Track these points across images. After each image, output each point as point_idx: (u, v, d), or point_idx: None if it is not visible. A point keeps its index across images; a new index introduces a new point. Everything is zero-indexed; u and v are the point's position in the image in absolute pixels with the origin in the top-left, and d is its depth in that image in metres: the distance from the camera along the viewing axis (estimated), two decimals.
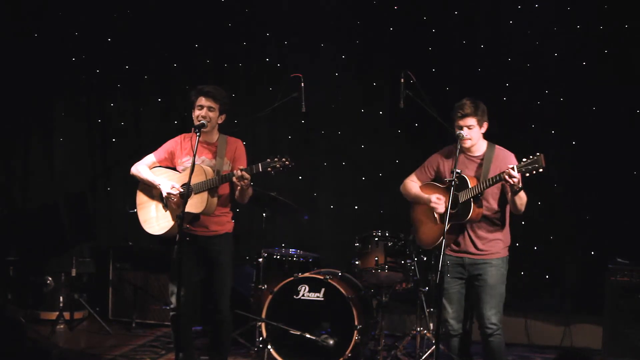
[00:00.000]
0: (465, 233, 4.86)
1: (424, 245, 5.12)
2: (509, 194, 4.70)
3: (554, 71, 6.66)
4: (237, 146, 5.19)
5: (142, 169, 5.21)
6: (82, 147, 7.55)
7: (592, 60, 6.59)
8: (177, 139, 5.25)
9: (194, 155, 4.82)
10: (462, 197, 4.75)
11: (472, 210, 4.73)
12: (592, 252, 6.59)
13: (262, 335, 5.77)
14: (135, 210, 5.29)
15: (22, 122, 7.57)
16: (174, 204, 5.02)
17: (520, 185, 4.55)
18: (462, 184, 4.77)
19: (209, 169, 4.98)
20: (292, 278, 5.78)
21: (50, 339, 6.43)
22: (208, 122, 5.02)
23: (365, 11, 7.01)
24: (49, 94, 7.55)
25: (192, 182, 4.80)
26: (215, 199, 4.98)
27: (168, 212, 5.11)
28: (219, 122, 5.13)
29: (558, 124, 6.68)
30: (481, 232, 4.85)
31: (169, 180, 5.08)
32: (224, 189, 5.08)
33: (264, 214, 6.29)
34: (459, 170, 4.70)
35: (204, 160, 5.06)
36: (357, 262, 5.94)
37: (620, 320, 5.95)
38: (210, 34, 7.26)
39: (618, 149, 6.50)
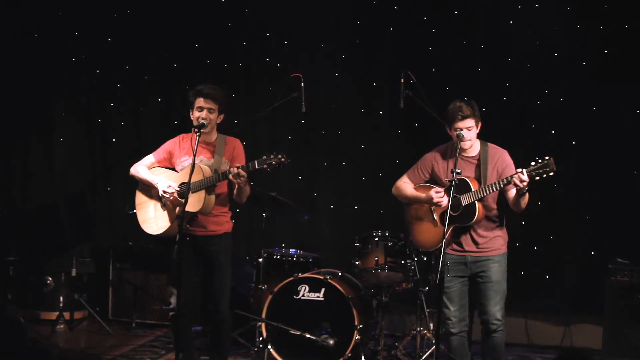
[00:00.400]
0: (467, 233, 4.87)
1: (423, 247, 5.12)
2: (514, 194, 4.72)
3: (554, 71, 6.66)
4: (236, 145, 5.19)
5: (141, 169, 5.21)
6: (82, 147, 7.55)
7: (592, 60, 6.59)
8: (176, 139, 5.25)
9: (194, 155, 4.82)
10: (465, 199, 4.76)
11: (478, 212, 4.75)
12: (592, 252, 6.59)
13: (262, 335, 5.77)
14: (134, 211, 5.30)
15: (22, 122, 7.57)
16: (170, 203, 5.03)
17: (526, 186, 4.56)
18: (463, 186, 4.77)
19: (206, 168, 4.97)
20: (292, 278, 5.78)
21: (50, 339, 6.43)
22: (208, 123, 5.03)
23: (365, 11, 7.01)
24: (49, 94, 7.55)
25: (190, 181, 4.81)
26: (212, 198, 4.98)
27: (166, 211, 5.11)
28: (218, 122, 5.14)
29: (558, 124, 6.68)
30: (481, 231, 4.87)
31: (167, 180, 5.08)
32: (222, 189, 5.08)
33: (264, 214, 6.29)
34: (459, 171, 4.70)
35: (202, 160, 5.06)
36: (357, 262, 5.94)
37: (620, 320, 5.95)
38: (210, 34, 7.25)
39: (618, 149, 6.50)
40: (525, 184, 4.53)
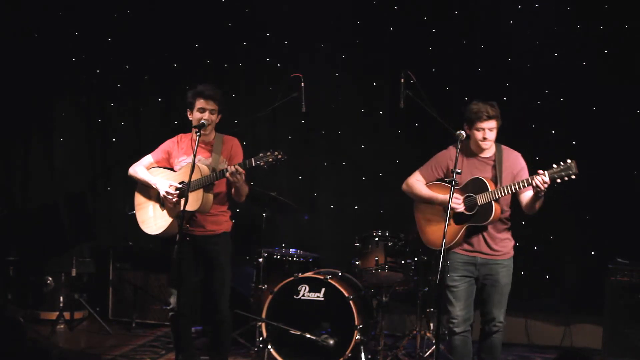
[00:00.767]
0: (479, 234, 4.89)
1: (433, 245, 5.09)
2: (529, 197, 4.73)
3: (554, 71, 6.66)
4: (233, 144, 5.19)
5: (140, 169, 5.21)
6: (82, 147, 7.55)
7: (592, 60, 6.59)
8: (174, 139, 5.26)
9: (194, 155, 4.82)
10: (482, 199, 4.77)
11: (495, 212, 4.76)
12: (592, 252, 6.60)
13: (262, 335, 5.77)
14: (134, 212, 5.30)
15: (22, 122, 7.57)
16: (171, 203, 5.02)
17: (545, 189, 4.57)
18: (480, 186, 4.79)
19: (204, 167, 4.98)
20: (292, 278, 5.78)
21: (50, 339, 6.42)
22: (209, 123, 5.03)
23: (365, 11, 7.01)
24: (49, 94, 7.55)
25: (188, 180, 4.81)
26: (210, 196, 4.98)
27: (165, 211, 5.11)
28: (216, 121, 5.14)
29: (558, 124, 6.68)
30: (493, 232, 4.90)
31: (166, 180, 5.08)
32: (221, 188, 5.08)
33: (264, 214, 6.29)
34: (459, 171, 4.71)
35: (200, 159, 5.06)
36: (357, 262, 5.94)
37: (620, 320, 5.95)
38: (210, 34, 7.25)
39: (618, 149, 6.50)
40: (546, 186, 4.54)
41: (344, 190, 7.14)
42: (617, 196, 6.49)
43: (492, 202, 4.76)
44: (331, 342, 5.53)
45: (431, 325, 6.18)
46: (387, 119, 6.99)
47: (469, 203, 4.83)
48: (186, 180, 4.81)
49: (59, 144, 7.55)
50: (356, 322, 5.56)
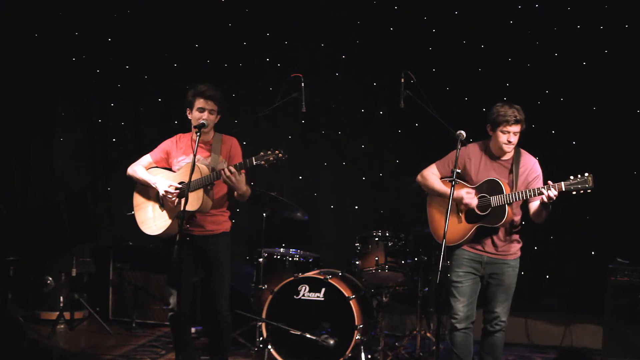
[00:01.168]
0: (489, 235, 4.91)
1: (442, 239, 5.10)
2: (537, 205, 4.76)
3: (554, 71, 6.66)
4: (232, 144, 5.19)
5: (139, 169, 5.20)
6: (82, 147, 7.55)
7: (592, 60, 6.59)
8: (173, 138, 5.25)
9: (194, 155, 4.81)
10: (495, 201, 4.78)
11: (507, 215, 4.77)
12: (592, 252, 6.60)
13: (262, 335, 5.76)
14: (133, 212, 5.29)
15: (22, 122, 7.56)
16: (171, 203, 5.02)
17: (553, 200, 4.59)
18: (495, 188, 4.80)
19: (203, 167, 4.97)
20: (292, 278, 5.78)
21: (50, 339, 6.43)
22: (209, 124, 5.03)
23: (365, 11, 7.01)
24: (49, 94, 7.55)
25: (188, 180, 4.80)
26: (210, 197, 4.98)
27: (165, 211, 5.11)
28: (215, 121, 5.14)
29: (558, 124, 6.68)
30: (503, 234, 4.92)
31: (166, 180, 5.07)
32: (220, 188, 5.08)
33: (264, 214, 6.29)
34: (459, 170, 4.72)
35: (199, 159, 5.05)
36: (357, 262, 5.94)
37: (620, 320, 5.96)
38: (210, 34, 7.25)
39: (618, 149, 6.50)
40: (553, 199, 4.57)
41: (344, 190, 7.14)
42: (617, 196, 6.48)
43: (506, 205, 4.76)
44: (331, 342, 5.52)
45: (431, 325, 6.18)
46: (387, 119, 6.99)
47: (483, 203, 4.83)
48: (186, 180, 4.81)
49: (59, 144, 7.55)
50: (356, 322, 5.56)
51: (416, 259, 5.94)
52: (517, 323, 6.62)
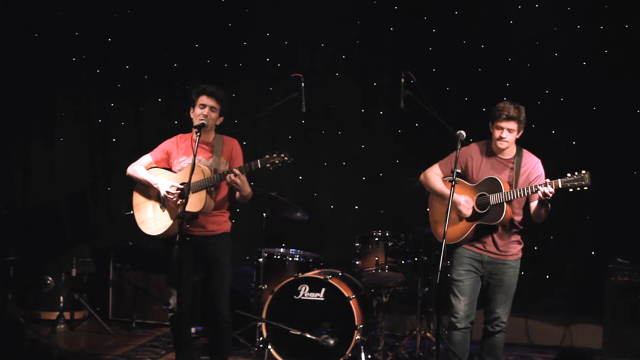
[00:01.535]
0: (489, 234, 4.92)
1: (441, 238, 5.09)
2: (535, 203, 4.77)
3: (554, 71, 6.66)
4: (234, 145, 5.19)
5: (139, 169, 5.20)
6: (82, 147, 7.54)
7: (592, 60, 6.59)
8: (174, 139, 5.25)
9: (194, 155, 4.81)
10: (494, 199, 4.79)
11: (506, 213, 4.77)
12: (592, 252, 6.60)
13: (262, 335, 5.76)
14: (131, 212, 5.28)
15: (22, 122, 7.56)
16: (173, 204, 5.02)
17: (550, 198, 4.60)
18: (494, 186, 4.81)
19: (206, 168, 4.98)
20: (292, 278, 5.78)
21: (51, 339, 6.43)
22: (209, 122, 5.03)
23: (365, 11, 7.01)
24: (49, 94, 7.55)
25: (191, 181, 4.80)
26: (213, 198, 4.98)
27: (166, 212, 5.10)
28: (217, 123, 5.14)
29: (558, 124, 6.68)
30: (504, 234, 4.93)
31: (167, 180, 5.07)
32: (222, 189, 5.08)
33: (264, 214, 6.29)
34: (459, 170, 4.72)
35: (201, 160, 5.05)
36: (357, 262, 5.94)
37: (620, 320, 5.96)
38: (210, 34, 7.25)
39: (618, 149, 6.50)
40: (550, 196, 4.57)
41: (344, 190, 7.14)
42: (617, 196, 6.48)
43: (504, 203, 4.77)
44: (331, 342, 5.52)
45: (431, 325, 6.18)
46: (387, 119, 6.99)
47: (482, 201, 4.84)
48: (187, 181, 4.81)
49: (59, 144, 7.54)
50: (356, 322, 5.56)
51: (416, 259, 5.94)
52: (517, 323, 6.62)
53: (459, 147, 4.78)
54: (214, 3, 7.22)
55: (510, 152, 4.95)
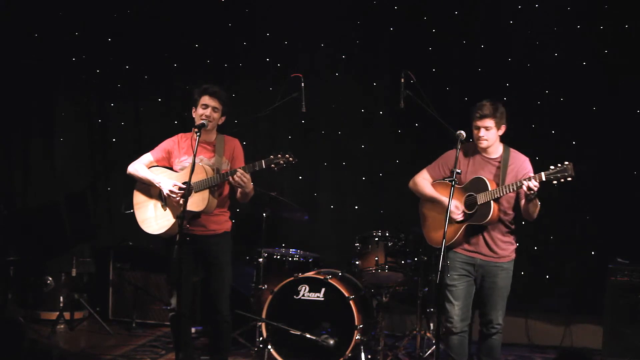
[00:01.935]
0: (480, 235, 4.90)
1: (434, 243, 5.11)
2: (523, 200, 4.76)
3: (554, 71, 6.66)
4: (235, 145, 5.20)
5: (140, 167, 5.20)
6: (82, 147, 7.54)
7: (592, 60, 6.59)
8: (175, 138, 5.25)
9: (194, 155, 4.81)
10: (481, 198, 4.79)
11: (493, 212, 4.77)
12: (592, 252, 6.60)
13: (262, 335, 5.76)
14: (131, 210, 5.28)
15: (22, 122, 7.56)
16: (176, 202, 5.01)
17: (535, 192, 4.58)
18: (481, 185, 4.80)
19: (208, 168, 4.98)
20: (292, 278, 5.78)
21: (51, 339, 6.42)
22: (210, 122, 5.03)
23: (365, 11, 7.01)
24: (49, 94, 7.54)
25: (192, 180, 4.80)
26: (215, 198, 4.98)
27: (168, 210, 5.10)
28: (219, 123, 5.14)
29: (558, 124, 6.68)
30: (495, 234, 4.91)
31: (169, 179, 5.07)
32: (223, 188, 5.08)
33: (264, 214, 6.29)
34: (459, 170, 4.73)
35: (202, 160, 5.06)
36: (357, 262, 5.94)
37: (620, 320, 5.96)
38: (210, 34, 7.25)
39: (618, 149, 6.50)
40: (535, 190, 4.56)
41: (344, 190, 7.14)
42: (617, 196, 6.49)
43: (491, 201, 4.76)
44: (331, 342, 5.52)
45: (431, 325, 6.18)
46: (387, 119, 6.99)
47: (469, 202, 4.84)
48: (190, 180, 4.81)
49: (59, 144, 7.54)
50: (356, 322, 5.56)
51: (416, 259, 5.94)
52: (517, 323, 6.63)
53: (459, 147, 4.78)
54: (214, 3, 7.22)
55: (495, 151, 4.94)
